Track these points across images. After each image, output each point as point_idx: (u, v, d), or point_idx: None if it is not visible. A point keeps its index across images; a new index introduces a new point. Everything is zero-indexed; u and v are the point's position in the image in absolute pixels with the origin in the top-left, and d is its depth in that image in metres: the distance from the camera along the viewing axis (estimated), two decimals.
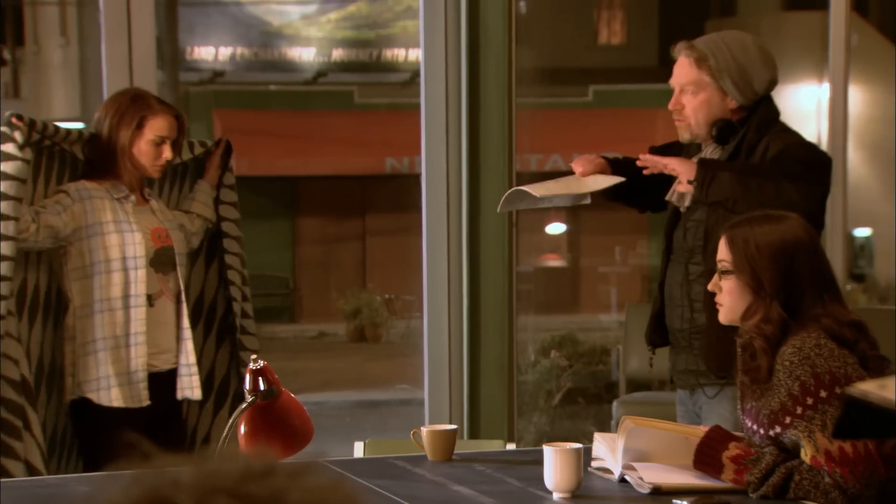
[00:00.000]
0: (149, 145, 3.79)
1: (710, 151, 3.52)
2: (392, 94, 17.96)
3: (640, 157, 3.48)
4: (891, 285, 15.63)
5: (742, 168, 3.37)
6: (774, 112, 3.52)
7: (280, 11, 18.29)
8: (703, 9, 18.75)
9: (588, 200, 3.72)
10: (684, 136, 3.54)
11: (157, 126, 3.79)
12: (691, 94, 3.48)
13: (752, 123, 3.47)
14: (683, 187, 3.42)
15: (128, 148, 3.79)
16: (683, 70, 3.50)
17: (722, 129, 3.47)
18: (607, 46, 19.45)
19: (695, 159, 3.46)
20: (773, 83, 3.51)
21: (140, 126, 3.78)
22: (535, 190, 3.63)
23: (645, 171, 3.47)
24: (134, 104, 3.81)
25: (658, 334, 3.62)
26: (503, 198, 3.72)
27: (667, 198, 3.60)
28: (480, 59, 5.13)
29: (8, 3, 22.95)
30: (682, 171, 3.40)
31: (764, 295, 2.89)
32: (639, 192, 3.64)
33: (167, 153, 3.81)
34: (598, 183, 3.62)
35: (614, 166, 3.65)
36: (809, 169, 3.38)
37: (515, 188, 3.71)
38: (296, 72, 18.41)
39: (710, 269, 3.43)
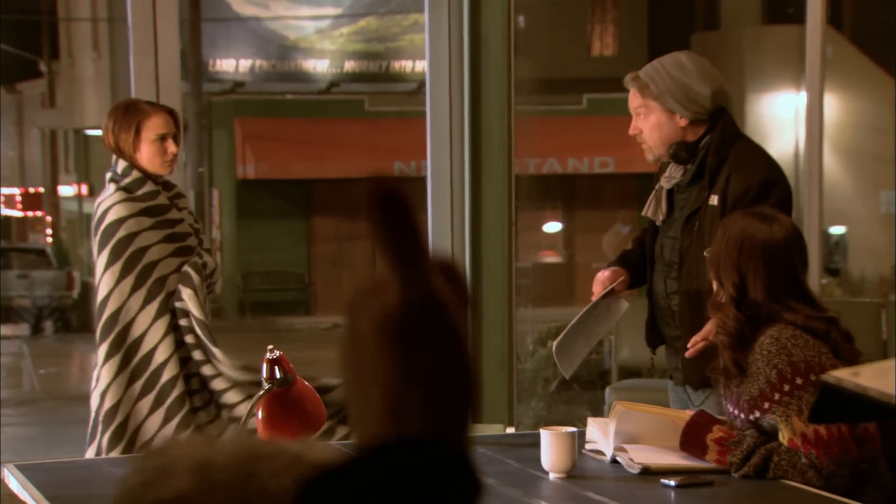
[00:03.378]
0: (153, 145, 3.77)
1: (674, 170, 3.49)
2: (400, 102, 17.96)
3: (689, 353, 3.33)
4: (864, 279, 15.62)
5: None
6: (732, 131, 3.46)
7: (296, 26, 18.28)
8: (689, 23, 18.74)
9: (623, 308, 3.59)
10: (649, 157, 3.53)
11: (153, 125, 3.77)
12: (643, 118, 3.48)
13: (711, 145, 3.42)
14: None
15: (134, 154, 3.78)
16: (632, 98, 3.51)
17: (677, 151, 3.44)
18: (600, 58, 19.44)
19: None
20: (718, 94, 3.44)
21: (138, 131, 3.77)
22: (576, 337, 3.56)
23: (690, 354, 3.33)
24: (127, 113, 3.80)
25: (654, 335, 3.59)
26: (559, 361, 3.54)
27: (643, 212, 3.58)
28: (482, 69, 5.13)
29: (44, 20, 22.95)
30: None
31: (722, 283, 2.91)
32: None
33: (172, 147, 3.79)
34: (607, 294, 3.51)
35: (623, 261, 3.59)
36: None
37: (559, 345, 3.53)
38: (310, 82, 18.40)
39: (686, 290, 3.41)
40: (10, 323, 17.07)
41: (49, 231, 23.81)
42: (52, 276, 18.35)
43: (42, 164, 25.42)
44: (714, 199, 3.36)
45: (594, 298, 3.50)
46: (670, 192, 3.50)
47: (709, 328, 3.23)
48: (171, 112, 3.84)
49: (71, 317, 17.76)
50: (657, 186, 3.53)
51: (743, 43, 16.95)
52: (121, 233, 3.72)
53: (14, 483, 2.92)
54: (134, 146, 3.76)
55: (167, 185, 3.90)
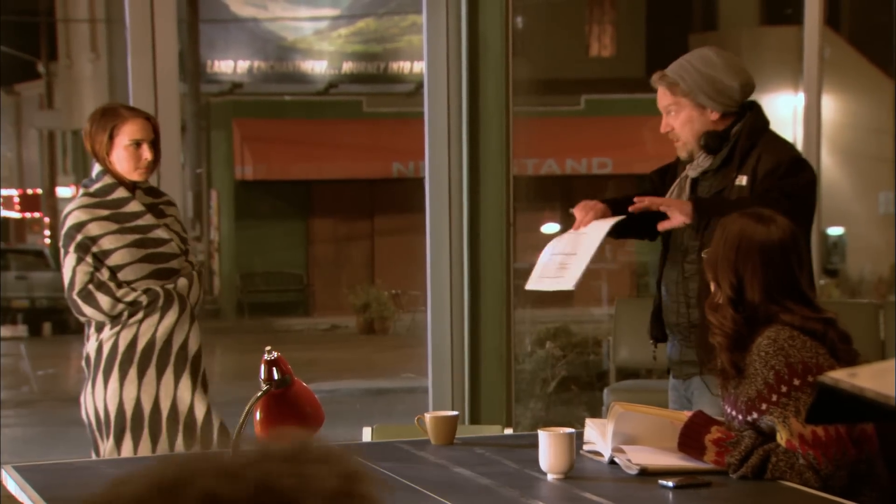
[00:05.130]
0: (126, 150, 3.75)
1: (702, 160, 3.52)
2: (398, 103, 17.95)
3: (636, 200, 3.43)
4: (862, 280, 15.63)
5: (733, 209, 3.32)
6: (764, 120, 3.54)
7: (294, 27, 18.28)
8: (687, 24, 18.74)
9: (598, 247, 3.56)
10: (682, 154, 3.57)
11: (128, 131, 3.76)
12: (674, 115, 3.54)
13: (744, 130, 3.49)
14: (677, 222, 3.40)
15: (107, 158, 3.77)
16: (661, 96, 3.56)
17: (708, 140, 3.49)
18: (598, 59, 19.44)
19: (689, 199, 3.43)
20: (747, 87, 3.52)
21: (112, 136, 3.76)
22: (550, 272, 3.54)
23: (632, 208, 3.42)
24: (104, 117, 3.79)
25: (659, 329, 3.61)
26: (534, 284, 3.56)
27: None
28: (480, 70, 5.13)
29: (43, 21, 22.94)
30: (679, 212, 3.40)
31: (720, 284, 2.91)
32: (645, 223, 3.54)
33: (147, 154, 3.77)
34: (599, 231, 3.48)
35: (614, 206, 3.55)
36: (797, 199, 3.36)
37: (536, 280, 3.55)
38: (309, 83, 18.40)
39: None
40: (8, 324, 17.06)
41: (47, 232, 23.80)
42: (51, 278, 18.32)
43: (40, 166, 25.40)
44: (743, 180, 3.44)
45: (576, 226, 3.50)
46: (693, 182, 3.54)
47: (664, 200, 3.36)
48: (149, 118, 3.82)
49: (69, 318, 17.74)
50: (682, 175, 3.56)
51: (741, 44, 16.95)
52: (80, 236, 3.74)
53: (13, 485, 2.92)
54: (107, 150, 3.76)
55: (154, 192, 3.89)
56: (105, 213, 3.76)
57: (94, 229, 3.74)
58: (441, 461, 3.00)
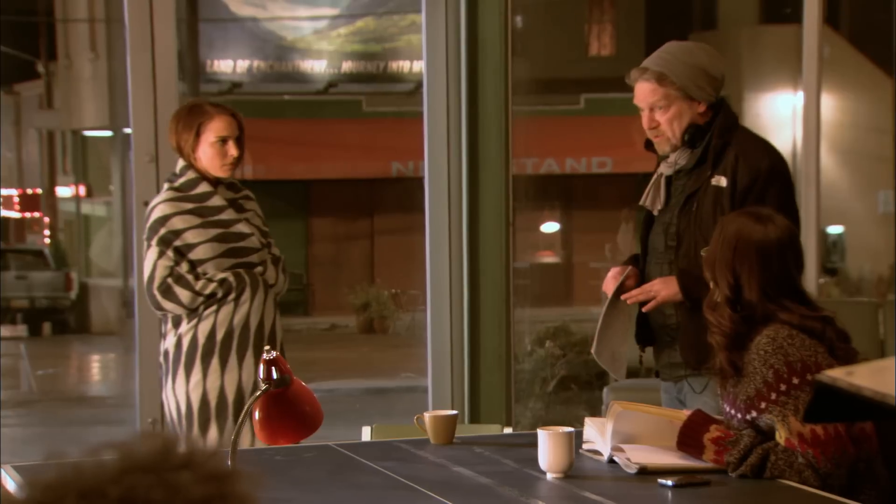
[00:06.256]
0: (212, 147, 3.80)
1: (678, 157, 3.49)
2: (397, 103, 17.95)
3: (627, 290, 3.48)
4: (861, 279, 15.63)
5: None
6: (732, 116, 3.50)
7: (293, 27, 18.27)
8: (686, 22, 18.74)
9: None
10: (665, 150, 3.51)
11: (215, 128, 3.81)
12: (662, 109, 3.44)
13: (715, 130, 3.44)
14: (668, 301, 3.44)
15: (193, 155, 3.81)
16: (647, 91, 3.46)
17: (693, 134, 3.46)
18: (597, 58, 19.43)
19: (673, 278, 3.43)
20: (723, 77, 3.49)
21: (198, 133, 3.79)
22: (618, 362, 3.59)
23: (630, 302, 3.48)
24: (190, 114, 3.84)
25: (644, 333, 3.60)
26: (606, 366, 3.63)
27: (640, 202, 3.58)
28: (479, 70, 5.13)
29: (42, 21, 22.93)
30: (668, 294, 3.42)
31: (717, 283, 2.91)
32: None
33: (233, 150, 3.83)
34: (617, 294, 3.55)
35: (632, 260, 3.63)
36: (783, 215, 3.33)
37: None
38: (308, 83, 18.39)
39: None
40: (7, 324, 17.06)
41: (47, 232, 23.80)
42: (50, 277, 18.33)
43: (40, 165, 25.40)
44: (722, 181, 3.38)
45: (609, 295, 3.53)
46: (668, 180, 3.51)
47: (651, 287, 3.39)
48: (234, 115, 3.87)
49: (69, 318, 17.74)
50: (656, 174, 3.53)
51: (740, 43, 16.95)
52: (164, 230, 3.77)
53: (12, 485, 2.92)
54: (193, 147, 3.80)
55: (234, 187, 3.94)
56: (189, 206, 3.80)
57: (177, 223, 3.78)
58: (440, 460, 3.01)
